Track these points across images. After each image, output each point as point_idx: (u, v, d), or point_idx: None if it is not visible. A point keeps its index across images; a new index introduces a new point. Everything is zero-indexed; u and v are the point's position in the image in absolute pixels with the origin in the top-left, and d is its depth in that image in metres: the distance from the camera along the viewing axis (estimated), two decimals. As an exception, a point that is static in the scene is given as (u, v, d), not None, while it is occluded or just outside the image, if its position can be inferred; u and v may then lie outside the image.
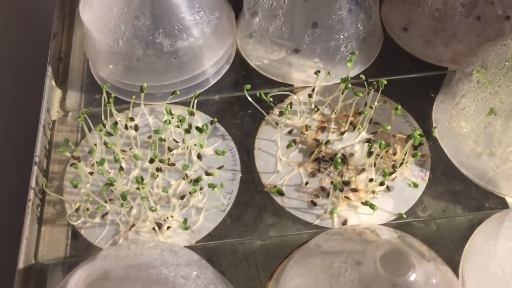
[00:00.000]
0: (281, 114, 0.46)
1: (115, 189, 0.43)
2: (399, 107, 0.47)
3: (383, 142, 0.43)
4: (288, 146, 0.45)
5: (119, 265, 0.30)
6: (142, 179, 0.41)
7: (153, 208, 0.41)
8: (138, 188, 0.42)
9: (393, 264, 0.29)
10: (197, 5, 0.46)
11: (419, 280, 0.28)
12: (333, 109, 0.49)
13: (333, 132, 0.48)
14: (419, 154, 0.43)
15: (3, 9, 0.62)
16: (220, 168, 0.46)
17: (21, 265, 0.40)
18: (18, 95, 0.59)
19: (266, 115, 0.49)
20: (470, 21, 0.54)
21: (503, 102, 0.41)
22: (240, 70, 0.53)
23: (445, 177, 0.45)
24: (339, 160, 0.41)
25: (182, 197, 0.44)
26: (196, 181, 0.43)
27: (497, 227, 0.37)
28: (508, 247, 0.35)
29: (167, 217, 0.43)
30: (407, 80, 0.52)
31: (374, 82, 0.47)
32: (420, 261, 0.29)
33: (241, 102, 0.50)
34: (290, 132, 0.48)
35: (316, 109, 0.49)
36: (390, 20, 0.56)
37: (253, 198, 0.45)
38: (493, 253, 0.36)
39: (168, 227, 0.42)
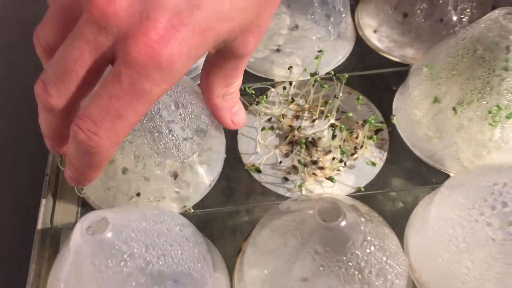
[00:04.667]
0: (257, 103, 0.53)
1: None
2: (361, 97, 0.54)
3: (343, 126, 0.50)
4: (263, 129, 0.53)
5: (118, 215, 0.38)
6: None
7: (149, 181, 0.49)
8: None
9: (330, 214, 0.36)
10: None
11: (348, 226, 0.36)
12: (307, 100, 0.56)
13: (306, 119, 0.55)
14: (375, 137, 0.51)
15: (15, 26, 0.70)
16: (207, 151, 0.53)
17: (39, 226, 0.48)
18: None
19: (249, 105, 0.57)
20: (433, 24, 0.61)
21: (446, 92, 0.49)
22: (229, 67, 0.61)
23: (400, 158, 0.53)
24: (303, 140, 0.49)
25: (176, 176, 0.51)
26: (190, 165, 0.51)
27: (434, 195, 0.44)
28: (438, 210, 0.43)
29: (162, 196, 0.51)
30: (374, 75, 0.59)
31: (340, 77, 0.54)
32: (352, 213, 0.36)
33: (228, 95, 0.58)
34: (269, 120, 0.56)
35: (292, 100, 0.56)
36: (362, 24, 0.63)
37: (235, 175, 0.52)
38: (428, 217, 0.43)
39: (162, 198, 0.50)
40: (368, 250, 0.37)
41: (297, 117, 0.56)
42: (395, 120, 0.54)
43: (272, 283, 0.41)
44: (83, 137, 0.33)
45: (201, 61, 0.58)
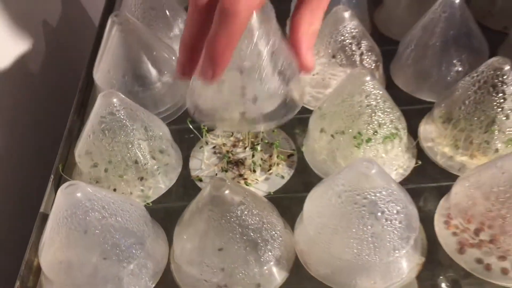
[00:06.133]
0: (201, 134, 0.75)
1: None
2: (276, 130, 0.75)
3: (259, 148, 0.71)
4: (201, 147, 0.74)
5: (89, 186, 0.58)
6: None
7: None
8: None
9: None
10: (162, 70, 0.78)
11: (230, 194, 0.55)
12: (242, 134, 0.78)
13: (240, 147, 0.76)
14: (282, 156, 0.71)
15: (50, 70, 0.96)
16: (166, 165, 0.74)
17: (42, 210, 0.69)
18: (51, 124, 0.90)
19: (201, 137, 0.78)
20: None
21: (329, 124, 0.69)
22: (191, 112, 0.83)
23: (303, 174, 0.72)
24: (227, 157, 0.71)
25: (142, 179, 0.72)
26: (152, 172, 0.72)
27: (312, 192, 0.64)
28: (308, 200, 0.62)
29: (130, 192, 0.71)
30: (296, 119, 0.80)
31: (264, 116, 0.76)
32: (235, 189, 0.56)
33: (187, 131, 0.80)
34: (214, 147, 0.77)
35: (231, 134, 0.78)
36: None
37: (184, 182, 0.73)
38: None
39: (130, 194, 0.71)
40: (245, 212, 0.56)
41: (234, 145, 0.77)
42: (304, 149, 0.74)
43: (193, 252, 0.60)
44: (228, 2, 0.42)
45: (168, 107, 0.81)
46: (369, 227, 0.55)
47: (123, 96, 0.68)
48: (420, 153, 0.72)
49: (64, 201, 0.56)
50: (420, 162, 0.70)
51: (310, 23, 0.50)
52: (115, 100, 0.67)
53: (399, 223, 0.56)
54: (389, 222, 0.55)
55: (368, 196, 0.55)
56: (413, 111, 0.76)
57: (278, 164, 0.72)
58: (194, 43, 0.47)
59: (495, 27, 0.89)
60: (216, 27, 0.44)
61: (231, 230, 0.56)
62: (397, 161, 0.69)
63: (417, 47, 0.78)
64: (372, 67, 0.78)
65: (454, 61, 0.76)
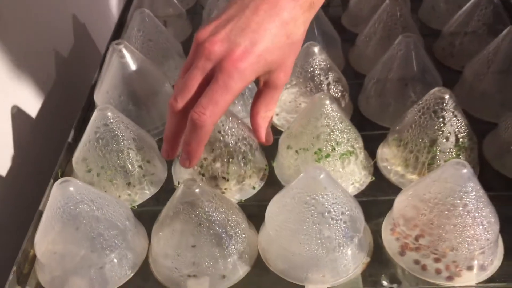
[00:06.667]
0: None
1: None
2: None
3: (233, 165, 0.81)
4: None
5: (80, 183, 0.68)
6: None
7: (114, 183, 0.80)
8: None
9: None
10: (155, 93, 0.89)
11: (200, 192, 0.65)
12: (222, 151, 0.87)
13: (218, 162, 0.86)
14: (255, 170, 0.80)
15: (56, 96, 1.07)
16: (152, 174, 0.84)
17: (40, 207, 0.78)
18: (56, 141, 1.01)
19: (185, 152, 0.88)
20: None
21: (295, 142, 0.79)
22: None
23: (272, 185, 0.81)
24: (202, 172, 0.80)
25: (129, 184, 0.82)
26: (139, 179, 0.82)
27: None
28: (270, 205, 0.71)
29: (119, 195, 0.81)
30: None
31: (241, 135, 0.86)
32: (204, 187, 0.66)
33: (175, 147, 0.90)
34: (196, 161, 0.87)
35: (212, 150, 0.87)
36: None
37: (168, 190, 0.82)
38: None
39: (119, 197, 0.80)
40: (213, 209, 0.66)
41: (214, 160, 0.86)
42: (274, 164, 0.84)
43: (167, 244, 0.69)
44: (196, 116, 0.57)
45: (157, 124, 0.91)
46: (317, 224, 0.64)
47: (117, 110, 0.79)
48: (376, 171, 0.82)
49: (58, 193, 0.66)
50: (374, 178, 0.79)
51: (265, 111, 0.67)
52: (109, 113, 0.77)
53: (344, 223, 0.65)
54: (334, 221, 0.64)
55: (316, 197, 0.64)
56: (375, 136, 0.86)
57: (250, 177, 0.82)
58: (174, 136, 0.64)
59: (455, 67, 1.00)
60: (188, 132, 0.60)
61: (199, 223, 0.65)
62: (353, 176, 0.79)
63: (378, 80, 0.89)
64: (338, 96, 0.88)
65: (410, 93, 0.86)
